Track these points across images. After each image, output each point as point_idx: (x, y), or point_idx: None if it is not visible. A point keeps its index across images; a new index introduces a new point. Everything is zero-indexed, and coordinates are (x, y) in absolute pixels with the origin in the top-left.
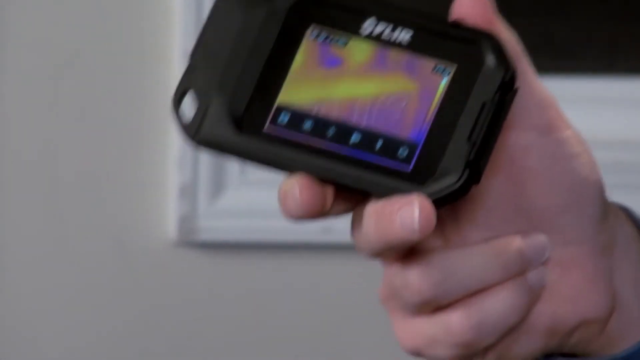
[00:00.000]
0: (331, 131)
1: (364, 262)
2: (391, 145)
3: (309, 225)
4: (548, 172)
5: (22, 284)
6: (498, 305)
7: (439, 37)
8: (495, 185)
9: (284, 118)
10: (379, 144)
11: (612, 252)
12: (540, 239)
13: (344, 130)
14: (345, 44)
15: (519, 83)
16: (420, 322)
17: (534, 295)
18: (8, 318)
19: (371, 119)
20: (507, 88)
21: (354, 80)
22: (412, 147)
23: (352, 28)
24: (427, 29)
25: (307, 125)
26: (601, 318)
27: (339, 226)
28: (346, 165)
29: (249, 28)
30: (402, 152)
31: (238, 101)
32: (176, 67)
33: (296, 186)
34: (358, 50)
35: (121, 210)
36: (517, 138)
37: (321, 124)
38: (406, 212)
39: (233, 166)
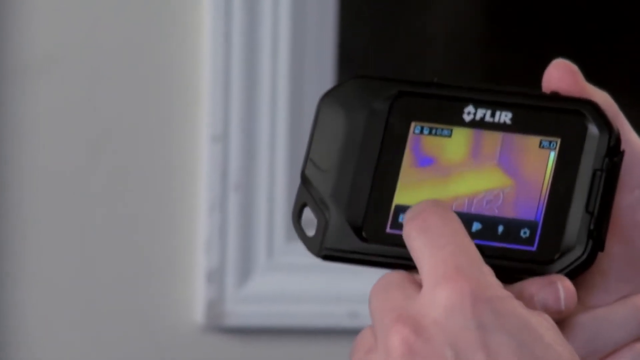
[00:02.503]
0: None
1: None
2: (512, 228)
3: (335, 310)
4: None
5: None
6: None
7: (538, 112)
8: (607, 248)
9: (403, 218)
10: (500, 229)
11: None
12: None
13: (464, 221)
14: (450, 134)
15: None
16: None
17: None
18: None
19: (488, 206)
20: (614, 152)
21: (464, 170)
22: (532, 226)
23: (453, 118)
24: (525, 107)
25: None
26: None
27: (365, 311)
28: None
29: (353, 133)
30: (524, 233)
31: (356, 209)
32: (204, 150)
33: None
34: (462, 139)
35: (148, 294)
36: (623, 198)
37: None
38: (549, 294)
39: (260, 251)
